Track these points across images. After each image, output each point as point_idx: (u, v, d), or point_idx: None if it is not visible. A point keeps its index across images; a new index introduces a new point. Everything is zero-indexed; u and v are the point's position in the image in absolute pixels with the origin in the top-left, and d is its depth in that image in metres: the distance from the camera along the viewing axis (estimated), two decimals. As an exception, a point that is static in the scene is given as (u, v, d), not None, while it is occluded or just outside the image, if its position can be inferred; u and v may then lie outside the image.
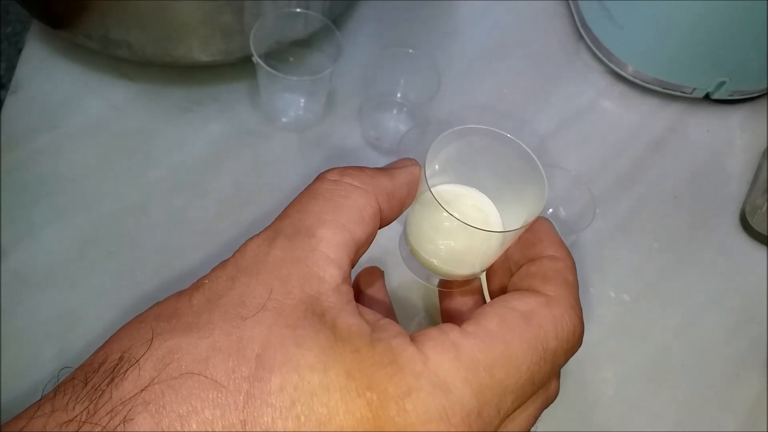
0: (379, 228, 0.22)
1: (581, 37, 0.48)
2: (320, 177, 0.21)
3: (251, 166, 0.39)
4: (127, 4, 0.33)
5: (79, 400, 0.16)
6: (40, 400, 0.17)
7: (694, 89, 0.44)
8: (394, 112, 0.42)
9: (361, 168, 0.21)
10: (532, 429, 0.21)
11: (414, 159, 0.23)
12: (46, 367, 0.31)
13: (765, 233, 0.40)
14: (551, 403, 0.21)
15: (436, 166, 0.24)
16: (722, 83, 0.44)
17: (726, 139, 0.46)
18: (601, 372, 0.35)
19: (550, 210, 0.39)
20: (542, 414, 0.35)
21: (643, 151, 0.44)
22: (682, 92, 0.45)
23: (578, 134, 0.44)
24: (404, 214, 0.24)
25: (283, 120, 0.40)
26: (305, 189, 0.21)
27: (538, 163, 0.23)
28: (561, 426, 0.34)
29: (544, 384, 0.19)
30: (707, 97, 0.45)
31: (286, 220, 0.20)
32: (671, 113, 0.46)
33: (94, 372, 0.17)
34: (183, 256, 0.35)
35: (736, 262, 0.40)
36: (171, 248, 0.35)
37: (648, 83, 0.45)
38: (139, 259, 0.35)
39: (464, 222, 0.21)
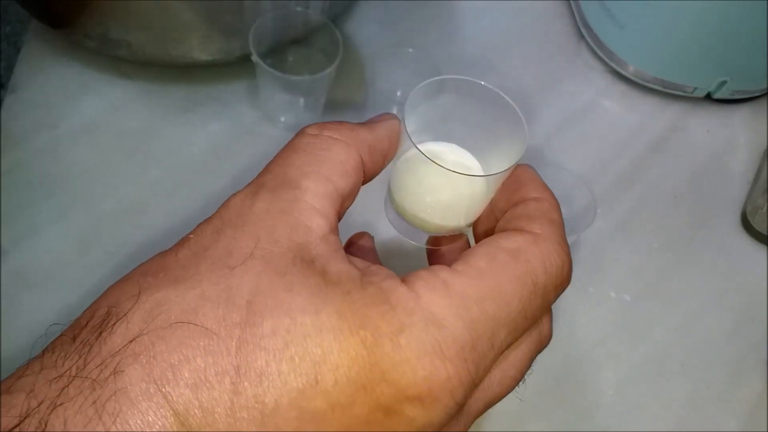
0: (363, 183, 0.22)
1: (582, 36, 0.48)
2: (300, 132, 0.21)
3: (251, 166, 0.39)
4: (127, 3, 0.33)
5: (68, 356, 0.16)
6: (29, 360, 0.17)
7: (695, 89, 0.44)
8: (394, 112, 0.42)
9: (340, 122, 0.21)
10: (527, 373, 0.21)
11: (393, 114, 0.23)
12: (45, 367, 0.31)
13: (766, 233, 0.40)
14: (546, 345, 0.21)
15: (415, 122, 0.24)
16: (723, 83, 0.43)
17: (727, 138, 0.45)
18: (601, 372, 0.35)
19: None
20: (542, 413, 0.35)
21: (644, 151, 0.44)
22: (683, 92, 0.45)
23: (579, 134, 0.44)
24: (388, 174, 0.24)
25: (283, 120, 0.40)
26: (286, 144, 0.21)
27: (516, 108, 0.23)
28: (561, 426, 0.34)
29: (536, 319, 0.19)
30: (708, 97, 0.45)
31: (268, 174, 0.20)
32: (672, 113, 0.46)
33: (82, 328, 0.17)
34: (183, 256, 0.35)
35: (737, 262, 0.40)
36: (171, 248, 0.35)
37: (649, 83, 0.45)
38: (139, 259, 0.35)
39: (448, 168, 0.21)
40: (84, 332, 0.17)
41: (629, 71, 0.45)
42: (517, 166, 0.22)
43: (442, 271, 0.18)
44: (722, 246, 0.41)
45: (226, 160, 0.39)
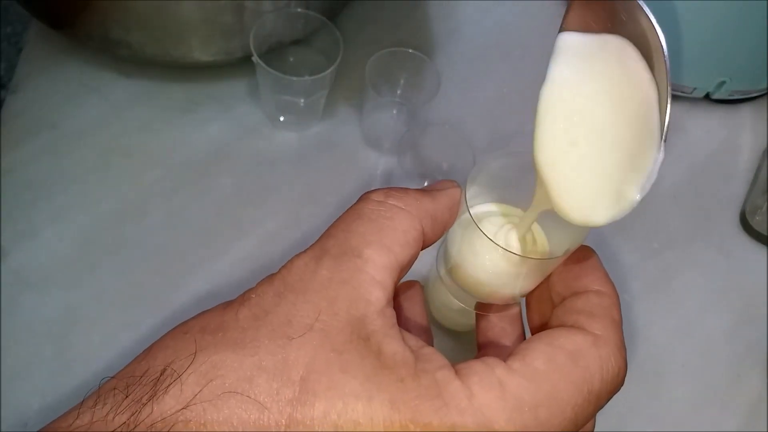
0: (421, 250, 0.22)
1: (581, 37, 0.48)
2: (365, 197, 0.21)
3: (251, 166, 0.39)
4: (128, 4, 0.33)
5: (119, 411, 0.16)
6: (80, 406, 0.17)
7: (694, 89, 0.44)
8: (394, 112, 0.42)
9: (405, 189, 0.21)
10: None
11: (455, 181, 0.23)
12: (46, 367, 0.31)
13: (765, 233, 0.40)
14: None
15: (477, 188, 0.24)
16: (722, 83, 0.43)
17: (726, 138, 0.46)
18: (601, 372, 0.35)
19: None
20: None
21: (643, 151, 0.44)
22: (682, 92, 0.45)
23: (578, 134, 0.44)
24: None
25: (283, 120, 0.40)
26: (350, 208, 0.21)
27: None
28: (561, 426, 0.34)
29: (585, 424, 0.19)
30: (707, 97, 0.45)
31: (331, 239, 0.20)
32: (671, 113, 0.46)
33: (136, 383, 0.17)
34: (183, 255, 0.35)
35: (736, 262, 0.40)
36: (171, 248, 0.35)
37: (648, 83, 0.45)
38: (139, 259, 0.35)
39: (504, 248, 0.21)
40: (137, 389, 0.17)
41: (629, 72, 0.45)
42: (579, 248, 0.22)
43: (497, 368, 0.18)
44: (722, 246, 0.41)
45: (227, 161, 0.39)
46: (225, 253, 0.36)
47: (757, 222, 0.41)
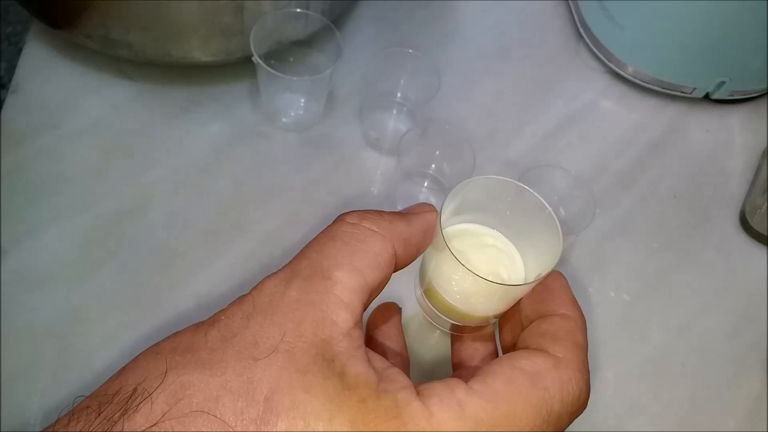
0: (394, 272, 0.22)
1: (581, 37, 0.48)
2: (339, 219, 0.21)
3: (251, 166, 0.39)
4: (128, 4, 0.33)
5: (91, 429, 0.16)
6: (55, 424, 0.17)
7: (694, 89, 0.44)
8: (394, 112, 0.42)
9: (379, 212, 0.22)
10: None
11: (432, 205, 0.24)
12: (46, 367, 0.31)
13: (765, 233, 0.40)
14: None
15: (453, 211, 0.24)
16: (722, 83, 0.44)
17: (726, 138, 0.46)
18: (601, 372, 0.35)
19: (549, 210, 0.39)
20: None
21: (643, 151, 0.44)
22: (682, 92, 0.45)
23: (578, 134, 0.44)
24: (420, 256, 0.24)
25: (283, 120, 0.40)
26: (324, 230, 0.21)
27: (555, 218, 0.23)
28: (561, 426, 0.34)
29: None
30: (707, 97, 0.45)
31: (303, 260, 0.20)
32: (671, 113, 0.46)
33: (108, 402, 0.17)
34: (183, 255, 0.35)
35: (736, 262, 0.40)
36: (171, 248, 0.35)
37: (648, 83, 0.45)
38: (139, 259, 0.35)
39: (476, 274, 0.22)
40: (109, 407, 0.17)
41: (628, 72, 0.45)
42: (549, 273, 0.23)
43: (458, 389, 0.18)
44: (721, 246, 0.41)
45: (227, 161, 0.39)
46: (225, 253, 0.36)
47: (757, 222, 0.41)
